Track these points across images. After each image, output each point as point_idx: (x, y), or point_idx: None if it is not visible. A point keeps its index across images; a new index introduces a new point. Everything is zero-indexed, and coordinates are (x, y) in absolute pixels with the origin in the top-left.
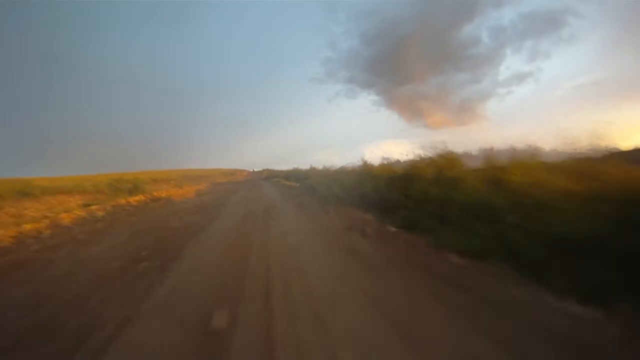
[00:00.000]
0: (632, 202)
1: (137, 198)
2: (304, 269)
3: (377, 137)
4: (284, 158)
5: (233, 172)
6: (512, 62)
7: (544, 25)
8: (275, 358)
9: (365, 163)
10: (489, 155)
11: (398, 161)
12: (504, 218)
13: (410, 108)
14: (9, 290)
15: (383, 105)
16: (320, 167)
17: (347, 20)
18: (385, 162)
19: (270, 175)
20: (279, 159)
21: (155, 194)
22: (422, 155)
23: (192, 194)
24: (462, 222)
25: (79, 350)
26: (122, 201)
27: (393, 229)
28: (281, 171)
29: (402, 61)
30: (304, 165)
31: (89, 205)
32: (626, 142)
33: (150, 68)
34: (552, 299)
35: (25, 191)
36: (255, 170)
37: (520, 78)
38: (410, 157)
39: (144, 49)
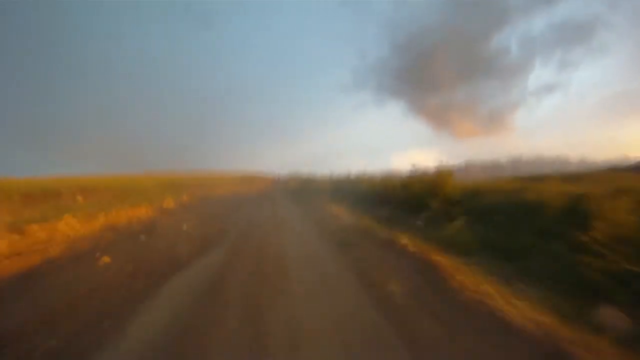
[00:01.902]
0: None
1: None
2: None
3: (405, 145)
4: (309, 164)
5: (252, 180)
6: (541, 72)
7: (574, 36)
8: None
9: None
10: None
11: (426, 170)
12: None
13: (439, 117)
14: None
15: (411, 114)
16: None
17: (378, 29)
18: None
19: (301, 188)
20: (304, 164)
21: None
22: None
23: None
24: None
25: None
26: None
27: None
28: (311, 179)
29: (432, 70)
30: (336, 172)
31: None
32: None
33: (178, 70)
34: None
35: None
36: (280, 177)
37: (549, 88)
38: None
39: (171, 50)
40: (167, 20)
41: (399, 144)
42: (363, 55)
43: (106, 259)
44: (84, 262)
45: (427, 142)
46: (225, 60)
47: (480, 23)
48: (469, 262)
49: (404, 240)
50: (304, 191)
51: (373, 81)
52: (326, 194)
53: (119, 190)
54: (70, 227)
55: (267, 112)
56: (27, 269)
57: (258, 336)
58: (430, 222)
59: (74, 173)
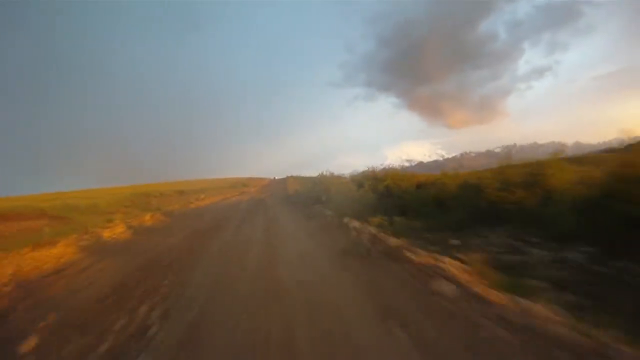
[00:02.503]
0: None
1: None
2: None
3: (398, 139)
4: (305, 164)
5: (246, 182)
6: (530, 56)
7: (561, 17)
8: None
9: None
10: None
11: (421, 163)
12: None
13: (430, 108)
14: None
15: (403, 106)
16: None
17: (363, 24)
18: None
19: (303, 191)
20: (300, 165)
21: None
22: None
23: None
24: None
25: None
26: None
27: None
28: (311, 179)
29: (420, 62)
30: (333, 171)
31: None
32: None
33: (164, 74)
34: None
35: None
36: (276, 178)
37: (539, 72)
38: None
39: (158, 56)
40: (152, 28)
41: (393, 138)
42: (351, 51)
43: None
44: None
45: (420, 135)
46: (213, 65)
47: (466, 10)
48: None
49: None
50: (305, 196)
51: (362, 76)
52: (337, 198)
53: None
54: None
55: (257, 114)
56: None
57: None
58: None
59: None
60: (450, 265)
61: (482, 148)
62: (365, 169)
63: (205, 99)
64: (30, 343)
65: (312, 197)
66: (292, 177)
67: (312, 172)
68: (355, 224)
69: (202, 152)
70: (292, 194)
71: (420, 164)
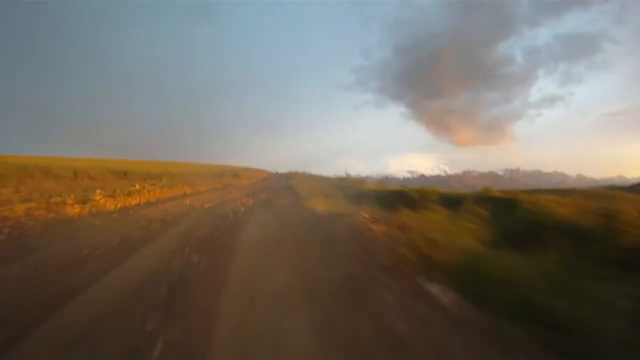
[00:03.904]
0: None
1: None
2: None
3: (403, 149)
4: (306, 162)
5: (239, 173)
6: (544, 85)
7: (579, 49)
8: None
9: None
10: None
11: (423, 176)
12: None
13: (438, 123)
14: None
15: (411, 117)
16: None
17: (381, 30)
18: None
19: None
20: (300, 162)
21: None
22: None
23: None
24: None
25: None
26: None
27: None
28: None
29: (434, 75)
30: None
31: None
32: None
33: (177, 63)
34: None
35: None
36: (278, 172)
37: (551, 101)
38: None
39: (171, 45)
40: (168, 19)
41: (397, 148)
42: (366, 55)
43: None
44: None
45: (426, 148)
46: (227, 55)
47: (486, 30)
48: None
49: None
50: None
51: (375, 82)
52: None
53: None
54: None
55: (263, 107)
56: None
57: None
58: None
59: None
60: None
61: (486, 168)
62: (369, 174)
63: (213, 87)
64: None
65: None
66: (298, 173)
67: (316, 171)
68: None
69: (202, 137)
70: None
71: (422, 177)
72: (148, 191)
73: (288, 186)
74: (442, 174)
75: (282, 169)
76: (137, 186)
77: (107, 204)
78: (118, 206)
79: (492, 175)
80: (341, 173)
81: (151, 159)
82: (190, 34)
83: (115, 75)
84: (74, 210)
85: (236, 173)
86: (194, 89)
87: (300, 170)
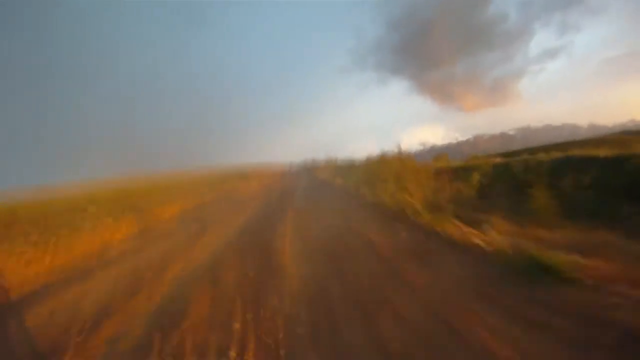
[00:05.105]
0: None
1: None
2: None
3: (412, 122)
4: (318, 151)
5: (245, 173)
6: (542, 38)
7: None
8: None
9: None
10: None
11: (434, 146)
12: None
13: (442, 92)
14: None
15: (415, 90)
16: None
17: (372, 7)
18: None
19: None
20: (313, 152)
21: None
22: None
23: None
24: None
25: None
26: None
27: None
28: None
29: (431, 44)
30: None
31: None
32: None
33: (179, 69)
34: None
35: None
36: (293, 167)
37: (551, 53)
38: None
39: (171, 49)
40: (167, 21)
41: (406, 122)
42: (360, 34)
43: None
44: None
45: (434, 118)
46: (224, 55)
47: None
48: None
49: None
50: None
51: (373, 60)
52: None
53: None
54: None
55: (270, 103)
56: None
57: None
58: None
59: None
60: None
61: (496, 130)
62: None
63: (219, 94)
64: None
65: None
66: (315, 164)
67: (332, 158)
68: None
69: (208, 141)
70: None
71: (434, 147)
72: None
73: (322, 186)
74: (454, 141)
75: (296, 161)
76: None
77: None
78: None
79: (503, 136)
80: (358, 156)
81: (149, 170)
82: (186, 38)
83: (107, 87)
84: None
85: (245, 174)
86: (195, 93)
87: (316, 160)
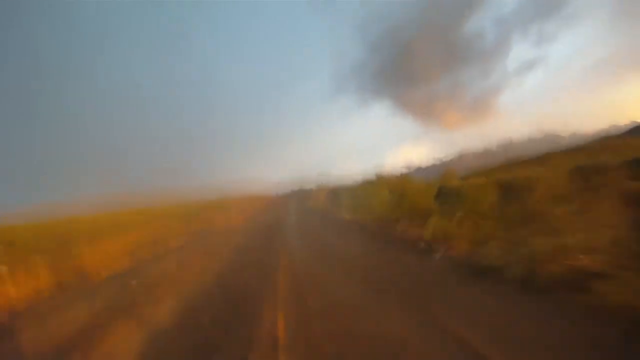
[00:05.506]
0: None
1: None
2: None
3: (395, 143)
4: (303, 178)
5: (224, 203)
6: (519, 50)
7: (546, 7)
8: None
9: None
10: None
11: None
12: None
13: (424, 111)
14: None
15: (397, 110)
16: None
17: (351, 32)
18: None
19: None
20: (298, 179)
21: None
22: None
23: None
24: None
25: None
26: None
27: None
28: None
29: (409, 64)
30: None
31: None
32: None
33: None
34: None
35: None
36: (279, 195)
37: (529, 65)
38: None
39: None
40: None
41: (389, 144)
42: (340, 59)
43: None
44: None
45: (417, 138)
46: (205, 81)
47: (451, 9)
48: None
49: None
50: None
51: (354, 83)
52: None
53: None
54: None
55: (255, 122)
56: None
57: None
58: None
59: None
60: None
61: (480, 147)
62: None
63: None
64: None
65: None
66: (305, 190)
67: (324, 181)
68: None
69: (186, 166)
70: None
71: (419, 169)
72: None
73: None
74: (438, 162)
75: (283, 181)
76: None
77: None
78: None
79: (487, 152)
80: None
81: (118, 192)
82: (165, 65)
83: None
84: None
85: (223, 204)
86: (178, 111)
87: (305, 179)
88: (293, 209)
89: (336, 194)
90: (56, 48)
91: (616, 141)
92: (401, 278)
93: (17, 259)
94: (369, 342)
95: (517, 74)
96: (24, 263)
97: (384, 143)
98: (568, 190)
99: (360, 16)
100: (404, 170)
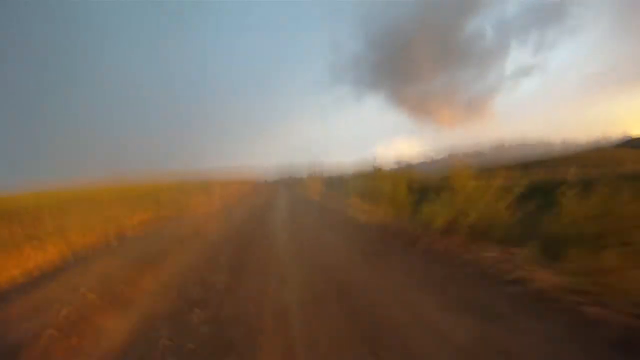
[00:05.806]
0: None
1: None
2: None
3: (387, 137)
4: (293, 165)
5: (207, 186)
6: (517, 56)
7: (548, 16)
8: None
9: None
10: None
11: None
12: None
13: (419, 107)
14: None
15: (391, 105)
16: None
17: (353, 25)
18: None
19: None
20: (288, 165)
21: None
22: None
23: None
24: None
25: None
26: None
27: None
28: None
29: (408, 61)
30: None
31: None
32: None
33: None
34: None
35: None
36: (268, 180)
37: (526, 71)
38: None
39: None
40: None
41: (381, 136)
42: (339, 50)
43: None
44: None
45: (410, 133)
46: (209, 68)
47: (454, 9)
48: None
49: None
50: None
51: (351, 75)
52: None
53: None
54: None
55: (249, 109)
56: None
57: None
58: None
59: None
60: None
61: (471, 148)
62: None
63: (194, 102)
64: None
65: None
66: (295, 178)
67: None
68: None
69: (180, 148)
70: None
71: (409, 165)
72: None
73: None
74: (428, 160)
75: (273, 167)
76: None
77: None
78: None
79: (478, 154)
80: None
81: (100, 174)
82: (166, 39)
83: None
84: None
85: (206, 186)
86: (172, 97)
87: (295, 166)
88: (284, 197)
89: (332, 184)
90: (60, 44)
91: (603, 153)
92: None
93: None
94: None
95: (514, 79)
96: None
97: (375, 136)
98: None
99: (361, 11)
100: (394, 166)
